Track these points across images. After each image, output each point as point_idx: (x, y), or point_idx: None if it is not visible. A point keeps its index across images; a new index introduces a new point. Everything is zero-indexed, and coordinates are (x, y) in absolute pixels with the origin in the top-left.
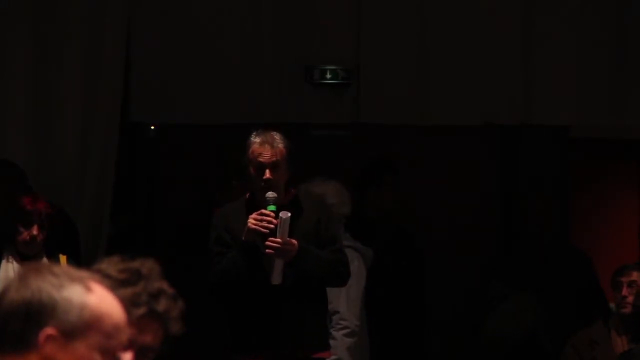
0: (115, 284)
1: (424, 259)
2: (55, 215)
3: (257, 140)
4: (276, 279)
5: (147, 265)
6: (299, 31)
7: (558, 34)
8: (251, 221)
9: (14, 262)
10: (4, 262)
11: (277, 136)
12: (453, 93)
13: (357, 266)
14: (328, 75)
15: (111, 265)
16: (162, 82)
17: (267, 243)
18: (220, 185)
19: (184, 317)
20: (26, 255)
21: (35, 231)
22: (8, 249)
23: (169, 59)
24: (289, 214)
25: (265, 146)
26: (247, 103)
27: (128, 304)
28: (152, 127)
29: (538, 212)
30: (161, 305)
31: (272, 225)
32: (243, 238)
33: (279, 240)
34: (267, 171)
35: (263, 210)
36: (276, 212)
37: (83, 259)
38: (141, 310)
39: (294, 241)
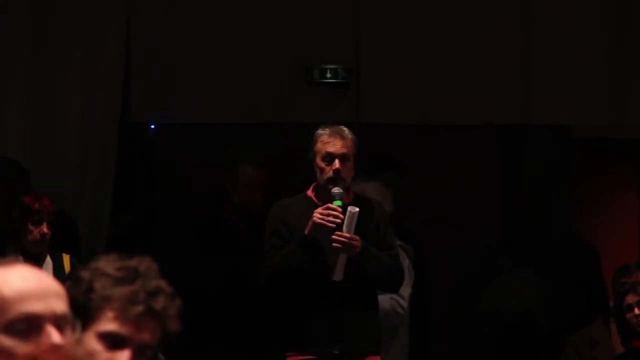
0: (113, 282)
1: (424, 259)
2: (57, 213)
3: (327, 131)
4: (338, 275)
5: (144, 264)
6: (298, 31)
7: (558, 34)
8: (317, 215)
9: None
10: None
11: (346, 129)
12: (453, 93)
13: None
14: (328, 75)
15: (109, 263)
16: (162, 82)
17: (334, 237)
18: (228, 175)
19: (182, 315)
20: (30, 254)
21: (45, 229)
22: (11, 248)
23: (169, 59)
24: (357, 209)
25: (336, 137)
26: (247, 103)
27: (126, 302)
28: (152, 127)
29: (538, 212)
30: (159, 303)
31: (338, 220)
32: (306, 232)
33: (346, 234)
34: (337, 161)
35: (330, 205)
36: (343, 208)
37: (83, 259)
38: (139, 309)
39: (359, 238)
